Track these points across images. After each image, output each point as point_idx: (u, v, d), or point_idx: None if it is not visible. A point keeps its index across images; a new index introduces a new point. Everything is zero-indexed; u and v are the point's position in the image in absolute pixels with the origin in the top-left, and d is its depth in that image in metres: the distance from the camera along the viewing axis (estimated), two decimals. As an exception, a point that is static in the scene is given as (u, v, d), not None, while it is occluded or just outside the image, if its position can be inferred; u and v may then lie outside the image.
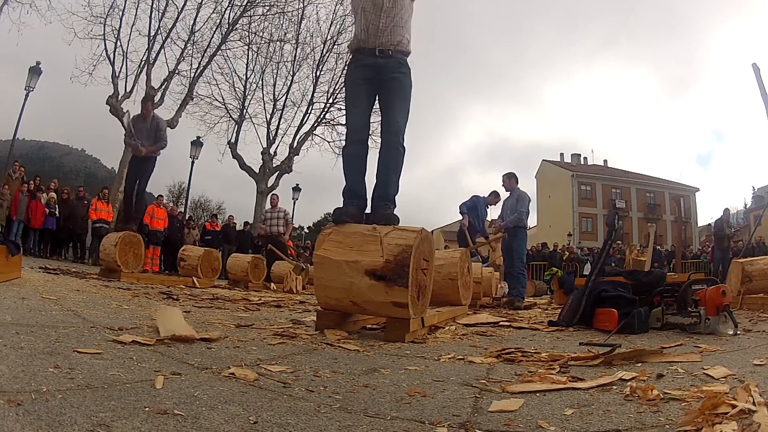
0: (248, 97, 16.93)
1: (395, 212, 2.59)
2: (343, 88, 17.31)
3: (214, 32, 15.44)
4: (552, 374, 1.44)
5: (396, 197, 2.65)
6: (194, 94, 15.50)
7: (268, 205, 9.62)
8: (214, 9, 15.35)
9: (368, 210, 2.63)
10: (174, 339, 1.68)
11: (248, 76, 16.76)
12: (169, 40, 14.67)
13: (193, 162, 15.89)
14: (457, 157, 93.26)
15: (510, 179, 6.22)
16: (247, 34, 16.13)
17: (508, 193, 6.29)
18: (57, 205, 10.56)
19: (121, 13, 14.11)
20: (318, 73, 17.27)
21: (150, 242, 10.47)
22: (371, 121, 2.77)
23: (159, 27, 14.54)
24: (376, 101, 2.74)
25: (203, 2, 15.08)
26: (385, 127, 2.64)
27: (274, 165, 16.75)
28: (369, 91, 2.69)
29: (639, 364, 1.59)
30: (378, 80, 2.65)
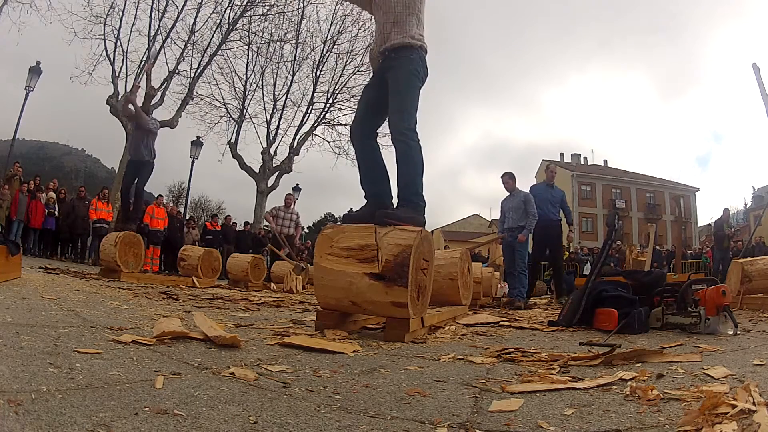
0: (248, 97, 16.99)
1: (417, 207, 2.52)
2: (343, 88, 17.37)
3: (214, 32, 15.48)
4: (552, 374, 1.44)
5: (417, 191, 2.54)
6: (194, 94, 15.52)
7: (281, 203, 9.14)
8: (214, 9, 15.40)
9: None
10: (219, 341, 1.68)
11: (248, 76, 16.81)
12: (169, 40, 14.72)
13: (193, 162, 15.92)
14: (456, 158, 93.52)
15: (512, 179, 6.25)
16: (247, 34, 16.18)
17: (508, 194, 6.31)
18: (57, 205, 10.57)
19: (121, 13, 14.16)
20: (318, 73, 17.31)
21: (150, 242, 10.48)
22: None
23: (159, 27, 14.58)
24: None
25: (203, 2, 15.13)
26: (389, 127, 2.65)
27: (274, 165, 16.76)
28: (371, 92, 2.74)
29: (639, 364, 1.59)
30: (382, 82, 2.66)
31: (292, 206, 8.81)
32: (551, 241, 6.42)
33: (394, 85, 2.59)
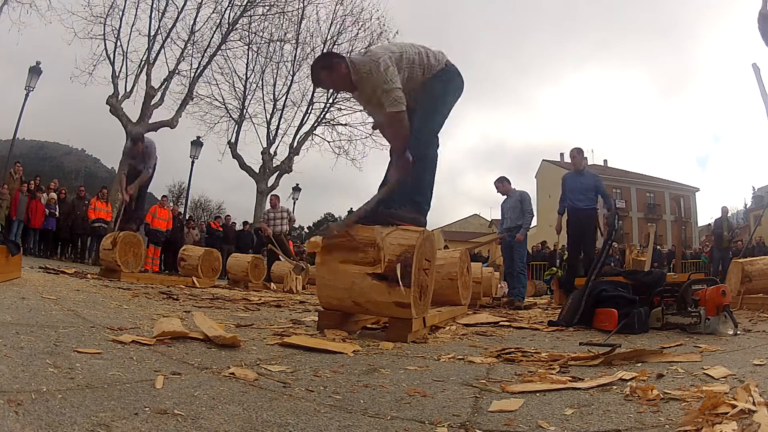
0: (248, 97, 16.98)
1: (419, 207, 2.56)
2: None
3: (214, 32, 15.46)
4: (552, 374, 1.44)
5: (422, 192, 2.59)
6: (194, 94, 15.51)
7: (267, 206, 9.56)
8: (214, 9, 15.38)
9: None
10: (219, 341, 1.68)
11: (248, 76, 16.80)
12: (169, 40, 14.70)
13: (193, 162, 15.92)
14: (456, 159, 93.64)
15: (503, 183, 6.24)
16: (247, 34, 16.17)
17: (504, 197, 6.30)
18: (57, 205, 10.56)
19: (121, 13, 14.15)
20: (318, 73, 17.25)
21: (150, 242, 10.48)
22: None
23: (159, 27, 14.57)
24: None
25: (203, 2, 15.11)
26: None
27: (274, 165, 16.75)
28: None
29: (639, 364, 1.59)
30: None
31: (278, 205, 9.21)
32: (583, 230, 5.88)
33: (420, 103, 2.62)
